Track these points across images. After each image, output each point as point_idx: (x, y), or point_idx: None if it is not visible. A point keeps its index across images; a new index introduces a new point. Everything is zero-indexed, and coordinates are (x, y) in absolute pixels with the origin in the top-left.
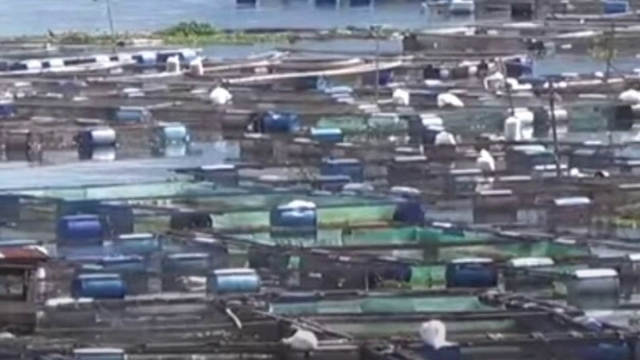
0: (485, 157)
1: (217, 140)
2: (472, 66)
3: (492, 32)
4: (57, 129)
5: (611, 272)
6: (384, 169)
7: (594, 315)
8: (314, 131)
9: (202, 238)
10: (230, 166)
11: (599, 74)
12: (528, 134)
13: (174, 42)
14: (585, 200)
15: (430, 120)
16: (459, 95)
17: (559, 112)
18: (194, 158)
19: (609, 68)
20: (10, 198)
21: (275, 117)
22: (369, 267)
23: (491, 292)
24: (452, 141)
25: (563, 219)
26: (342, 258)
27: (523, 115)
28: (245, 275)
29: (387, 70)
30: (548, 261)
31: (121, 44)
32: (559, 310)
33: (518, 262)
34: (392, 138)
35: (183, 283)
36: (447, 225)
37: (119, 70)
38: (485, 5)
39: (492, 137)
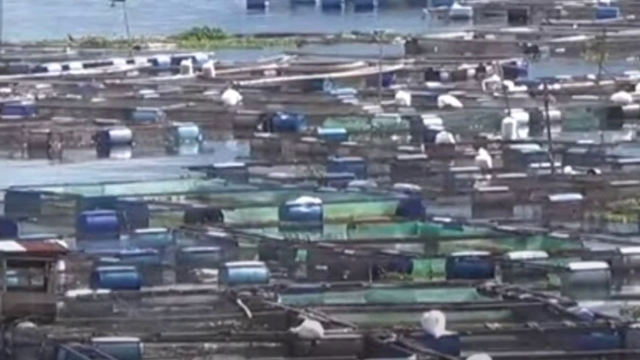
0: (483, 155)
1: (228, 139)
2: (470, 69)
3: (490, 37)
4: (77, 128)
5: (603, 265)
6: (386, 166)
7: (586, 306)
8: (320, 131)
9: (214, 232)
10: (240, 164)
11: (591, 76)
12: (524, 133)
13: (187, 46)
14: (578, 196)
15: (431, 120)
16: (458, 97)
17: (553, 112)
18: (207, 156)
19: (601, 71)
20: (31, 194)
21: (284, 117)
22: (372, 259)
23: (489, 284)
24: (452, 140)
25: (557, 214)
26: (347, 251)
27: (519, 115)
28: (255, 268)
29: (390, 72)
30: (543, 254)
31: (137, 47)
32: (553, 301)
33: (514, 255)
34: (394, 137)
35: (196, 275)
36: (447, 220)
37: (135, 73)
38: (483, 11)
39: (490, 136)
